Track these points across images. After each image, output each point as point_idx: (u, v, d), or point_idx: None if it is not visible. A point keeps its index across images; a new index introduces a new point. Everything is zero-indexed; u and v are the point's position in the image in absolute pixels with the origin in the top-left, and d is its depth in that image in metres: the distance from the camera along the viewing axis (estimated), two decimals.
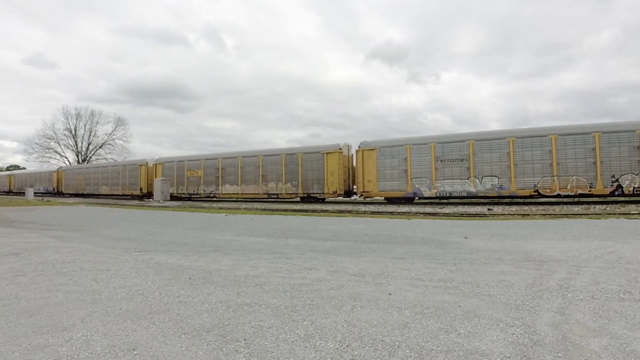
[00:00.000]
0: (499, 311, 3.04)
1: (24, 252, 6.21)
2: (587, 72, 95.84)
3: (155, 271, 4.72)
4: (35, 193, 37.11)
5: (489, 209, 14.75)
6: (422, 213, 14.27)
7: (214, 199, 26.04)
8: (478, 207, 15.97)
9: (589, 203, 15.65)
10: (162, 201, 25.98)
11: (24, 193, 39.15)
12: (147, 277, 4.38)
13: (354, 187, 21.39)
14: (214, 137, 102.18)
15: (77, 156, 57.79)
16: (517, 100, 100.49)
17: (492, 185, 16.84)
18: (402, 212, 14.71)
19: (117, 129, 57.87)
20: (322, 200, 21.66)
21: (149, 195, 28.84)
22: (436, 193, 17.90)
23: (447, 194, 17.70)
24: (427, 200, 19.20)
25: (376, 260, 5.27)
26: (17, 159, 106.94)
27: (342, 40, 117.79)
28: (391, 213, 14.59)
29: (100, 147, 58.43)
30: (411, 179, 18.31)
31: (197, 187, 26.76)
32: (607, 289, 3.63)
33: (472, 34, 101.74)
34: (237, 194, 24.70)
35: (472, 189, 17.21)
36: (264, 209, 17.62)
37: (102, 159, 56.08)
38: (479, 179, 17.05)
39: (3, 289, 3.91)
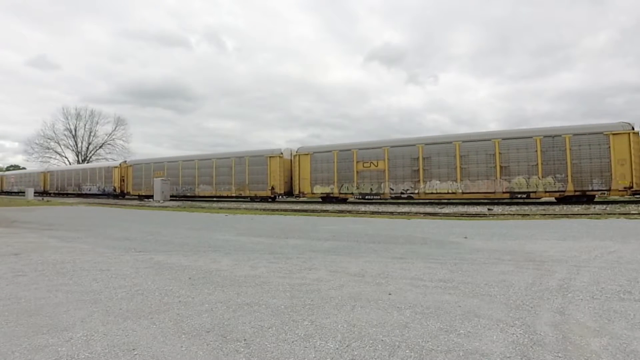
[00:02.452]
0: (499, 311, 3.04)
1: (24, 252, 6.21)
2: (584, 73, 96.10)
3: (155, 271, 4.72)
4: (86, 194, 34.73)
5: (489, 209, 14.76)
6: (422, 213, 14.27)
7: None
8: (478, 207, 15.98)
9: (588, 203, 15.67)
10: (162, 201, 25.99)
11: (68, 194, 36.99)
12: (147, 277, 4.38)
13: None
14: (214, 137, 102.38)
15: (77, 156, 57.88)
16: (515, 100, 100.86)
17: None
18: (402, 212, 14.71)
19: (117, 129, 57.94)
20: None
21: (289, 194, 23.65)
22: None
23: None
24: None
25: (376, 260, 5.27)
26: (18, 159, 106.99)
27: (341, 41, 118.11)
28: (391, 213, 14.59)
29: (100, 147, 58.51)
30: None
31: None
32: (607, 289, 3.63)
33: (469, 36, 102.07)
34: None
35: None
36: (264, 209, 17.63)
37: (102, 159, 56.17)
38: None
39: (3, 289, 3.91)
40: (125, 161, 34.25)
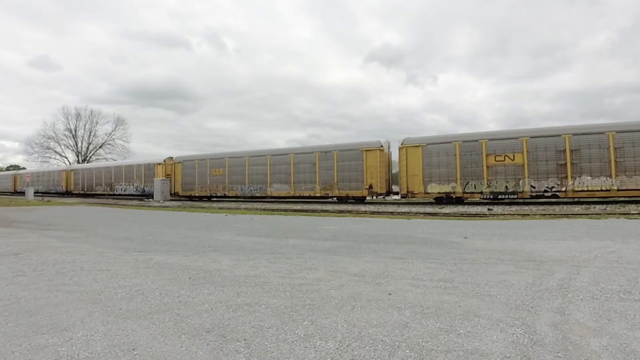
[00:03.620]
0: (499, 311, 3.04)
1: (24, 252, 6.20)
2: (583, 73, 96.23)
3: (155, 271, 4.71)
4: (120, 195, 30.75)
5: (489, 209, 14.76)
6: (422, 213, 14.27)
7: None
8: (478, 207, 15.97)
9: (588, 203, 15.66)
10: (162, 201, 25.97)
11: (97, 194, 33.09)
12: (147, 277, 4.38)
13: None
14: (214, 137, 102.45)
15: (77, 156, 57.83)
16: (514, 101, 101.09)
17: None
18: (402, 212, 14.71)
19: (116, 129, 57.81)
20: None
21: (389, 193, 20.64)
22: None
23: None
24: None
25: (376, 260, 5.27)
26: (18, 159, 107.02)
27: (341, 43, 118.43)
28: (391, 213, 14.59)
29: (100, 147, 58.44)
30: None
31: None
32: (607, 289, 3.63)
33: (467, 37, 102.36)
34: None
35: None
36: (264, 209, 17.62)
37: (102, 159, 56.12)
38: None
39: (3, 289, 3.91)
40: (172, 157, 28.78)
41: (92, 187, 34.46)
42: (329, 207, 18.12)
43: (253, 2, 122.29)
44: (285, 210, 16.97)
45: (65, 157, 57.56)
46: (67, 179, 37.96)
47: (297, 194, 22.06)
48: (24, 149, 71.68)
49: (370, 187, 19.67)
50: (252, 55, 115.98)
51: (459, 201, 18.16)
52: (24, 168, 58.32)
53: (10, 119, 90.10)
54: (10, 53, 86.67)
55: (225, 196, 25.29)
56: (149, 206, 22.03)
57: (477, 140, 17.63)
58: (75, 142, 58.13)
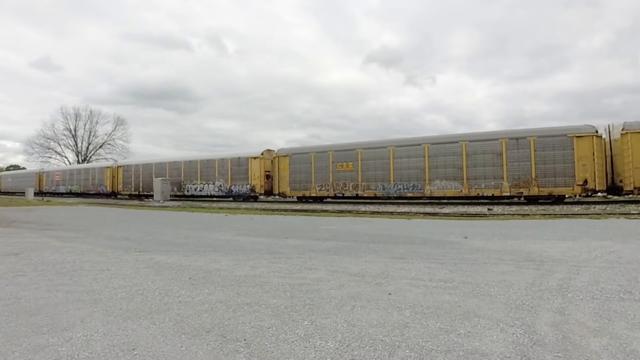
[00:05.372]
0: (499, 311, 3.04)
1: (24, 252, 6.20)
2: (581, 73, 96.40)
3: (155, 271, 4.71)
4: (195, 196, 26.01)
5: (489, 209, 14.75)
6: (422, 213, 14.27)
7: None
8: (478, 207, 15.97)
9: (588, 203, 15.65)
10: (162, 201, 25.95)
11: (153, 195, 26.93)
12: (147, 277, 4.38)
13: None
14: (215, 137, 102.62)
15: (77, 156, 57.85)
16: (513, 101, 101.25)
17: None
18: (402, 212, 14.71)
19: (116, 128, 57.75)
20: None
21: (613, 189, 16.23)
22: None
23: None
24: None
25: (376, 260, 5.27)
26: (19, 159, 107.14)
27: (340, 44, 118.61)
28: (391, 213, 14.58)
29: (100, 147, 58.42)
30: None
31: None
32: (607, 289, 3.63)
33: (466, 38, 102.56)
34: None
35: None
36: (264, 209, 17.61)
37: (102, 159, 56.04)
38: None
39: (3, 289, 3.91)
40: (270, 149, 24.22)
41: (149, 186, 28.48)
42: (329, 207, 18.11)
43: (253, 4, 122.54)
44: (285, 210, 16.96)
45: (65, 157, 57.56)
46: (112, 177, 32.46)
47: (471, 194, 17.12)
48: (24, 149, 71.58)
49: (585, 182, 15.68)
50: (252, 56, 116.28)
51: None
52: (24, 168, 58.27)
53: (11, 119, 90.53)
54: (12, 54, 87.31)
55: (357, 197, 20.18)
56: (149, 206, 22.03)
57: None
58: (75, 142, 58.13)
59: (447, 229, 8.65)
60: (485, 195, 16.68)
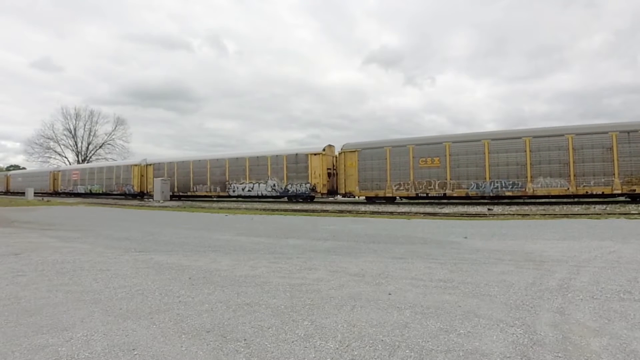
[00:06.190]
0: (499, 311, 3.04)
1: (24, 252, 6.20)
2: (580, 74, 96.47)
3: (155, 271, 4.71)
4: (242, 197, 23.76)
5: (489, 209, 14.75)
6: (422, 213, 14.27)
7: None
8: (478, 207, 15.96)
9: (589, 203, 15.64)
10: (162, 201, 25.95)
11: (199, 196, 25.78)
12: (147, 277, 4.38)
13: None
14: (215, 137, 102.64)
15: (77, 156, 57.83)
16: (512, 101, 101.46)
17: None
18: (402, 212, 14.71)
19: (116, 128, 57.66)
20: None
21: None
22: None
23: None
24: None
25: (376, 260, 5.27)
26: (19, 159, 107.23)
27: (340, 44, 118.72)
28: (391, 213, 14.58)
29: (100, 147, 58.39)
30: None
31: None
32: (607, 289, 3.63)
33: (465, 38, 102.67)
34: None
35: None
36: (264, 209, 17.61)
37: (102, 159, 56.03)
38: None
39: (3, 289, 3.91)
40: (330, 145, 21.57)
41: (188, 186, 26.66)
42: (329, 207, 18.10)
43: (253, 4, 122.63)
44: (285, 210, 16.95)
45: (65, 157, 57.53)
46: (140, 176, 29.49)
47: (579, 192, 15.38)
48: (24, 149, 71.55)
49: None
50: (252, 56, 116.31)
51: None
52: (24, 168, 58.24)
53: (11, 120, 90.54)
54: (12, 54, 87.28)
55: (444, 196, 17.80)
56: (148, 206, 22.03)
57: None
58: (75, 142, 58.10)
59: (447, 229, 8.65)
60: (594, 193, 15.21)
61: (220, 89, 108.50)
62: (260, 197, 23.52)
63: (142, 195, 29.63)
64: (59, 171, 39.79)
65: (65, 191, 37.07)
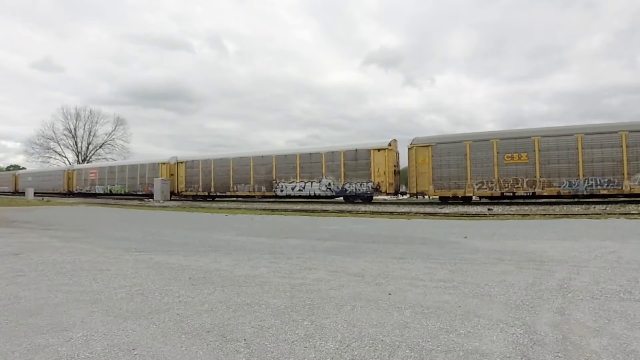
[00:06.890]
0: (499, 311, 3.04)
1: (24, 252, 6.20)
2: (580, 74, 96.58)
3: (155, 271, 4.71)
4: (293, 197, 21.58)
5: (489, 209, 14.75)
6: (422, 213, 14.27)
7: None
8: (478, 207, 15.96)
9: (589, 203, 15.65)
10: (162, 201, 25.94)
11: (239, 196, 23.34)
12: (147, 277, 4.38)
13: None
14: (215, 137, 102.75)
15: (77, 156, 57.79)
16: (512, 101, 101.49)
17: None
18: (402, 212, 14.70)
19: (116, 129, 57.57)
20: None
21: None
22: None
23: None
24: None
25: (376, 260, 5.27)
26: (19, 159, 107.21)
27: (340, 45, 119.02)
28: (391, 213, 14.58)
29: (100, 147, 58.33)
30: None
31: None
32: (607, 289, 3.63)
33: (464, 39, 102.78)
34: None
35: None
36: (264, 209, 17.60)
37: (102, 159, 55.98)
38: None
39: (3, 289, 3.91)
40: (395, 140, 19.59)
41: (227, 185, 24.23)
42: (329, 207, 18.10)
43: (253, 5, 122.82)
44: (285, 210, 16.95)
45: (65, 157, 57.48)
46: (170, 175, 27.38)
47: None
48: (25, 149, 71.51)
49: None
50: (252, 56, 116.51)
51: None
52: (24, 168, 58.20)
53: (12, 120, 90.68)
54: (13, 55, 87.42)
55: (533, 195, 16.08)
56: (149, 206, 22.03)
57: None
58: (75, 142, 58.04)
59: (447, 229, 8.65)
60: None
61: (220, 89, 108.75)
62: (313, 198, 21.55)
63: (171, 195, 27.54)
64: (74, 170, 37.27)
65: (82, 192, 34.59)
